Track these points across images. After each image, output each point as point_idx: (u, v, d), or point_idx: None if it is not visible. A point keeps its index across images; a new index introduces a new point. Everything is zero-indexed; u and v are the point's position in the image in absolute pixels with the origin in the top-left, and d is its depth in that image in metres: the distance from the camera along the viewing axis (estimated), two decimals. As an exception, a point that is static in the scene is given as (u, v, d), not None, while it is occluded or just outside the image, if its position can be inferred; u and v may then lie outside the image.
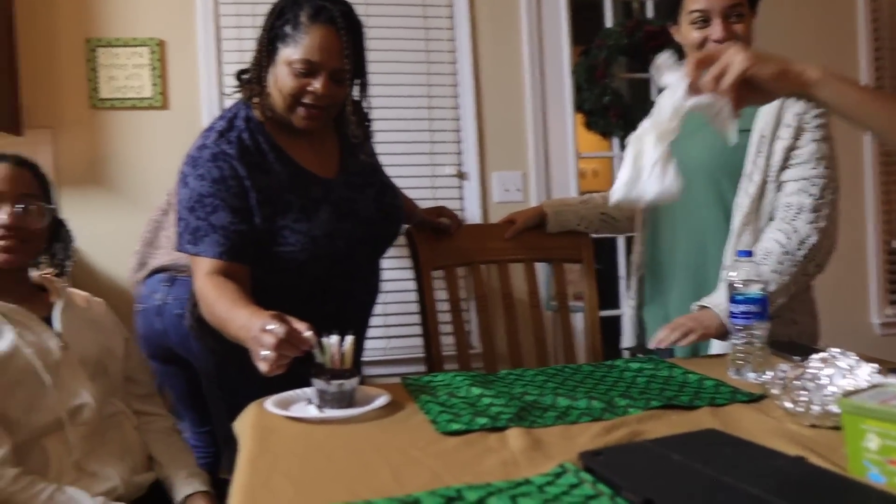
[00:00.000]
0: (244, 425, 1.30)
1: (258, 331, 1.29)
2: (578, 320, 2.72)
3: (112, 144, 3.09)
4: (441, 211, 2.13)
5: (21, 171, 1.62)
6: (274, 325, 1.27)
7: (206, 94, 3.06)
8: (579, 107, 3.33)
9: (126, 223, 3.05)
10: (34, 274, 1.71)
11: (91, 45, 3.06)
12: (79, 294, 1.77)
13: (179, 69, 3.10)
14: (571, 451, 1.02)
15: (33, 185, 1.63)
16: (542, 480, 0.92)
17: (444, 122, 3.16)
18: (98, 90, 3.06)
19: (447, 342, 2.11)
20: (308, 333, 1.27)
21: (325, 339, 1.33)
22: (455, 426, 1.18)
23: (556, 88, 3.24)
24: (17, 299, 1.59)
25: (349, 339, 1.33)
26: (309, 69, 1.61)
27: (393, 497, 0.89)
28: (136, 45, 3.07)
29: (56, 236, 1.72)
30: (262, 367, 1.28)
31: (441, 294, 2.11)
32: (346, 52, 1.62)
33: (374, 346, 2.98)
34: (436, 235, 2.10)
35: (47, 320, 1.61)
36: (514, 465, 1.02)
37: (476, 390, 1.37)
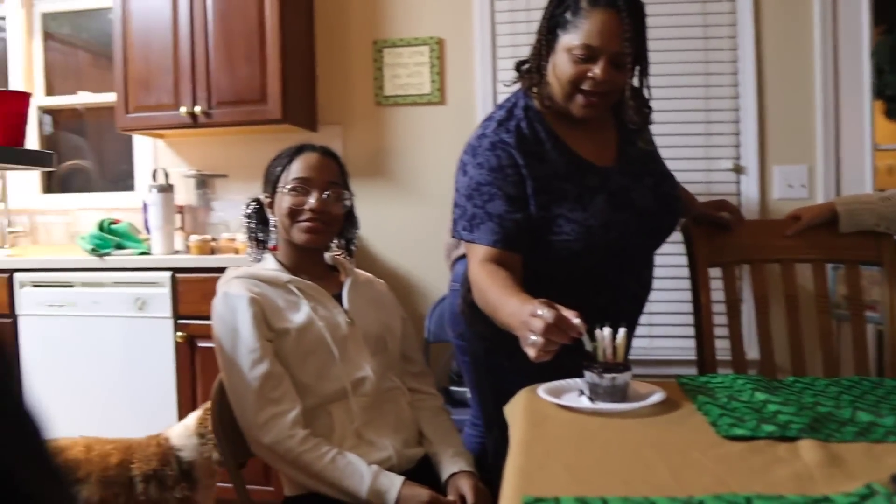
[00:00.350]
0: (516, 409, 1.31)
1: (528, 315, 1.28)
2: (870, 331, 2.45)
3: (394, 139, 3.29)
4: (722, 204, 2.01)
5: (328, 161, 1.77)
6: (543, 311, 1.25)
7: (482, 90, 3.15)
8: (879, 93, 3.00)
9: (405, 212, 3.25)
10: (328, 255, 1.86)
11: (378, 46, 3.28)
12: (364, 275, 1.90)
13: (457, 66, 3.22)
14: (879, 472, 0.92)
15: (336, 174, 1.78)
16: (845, 501, 0.83)
17: (722, 112, 2.97)
18: (383, 88, 3.28)
19: (721, 345, 1.99)
20: (577, 321, 1.25)
21: (597, 332, 1.30)
22: (739, 430, 1.10)
23: (852, 72, 2.92)
24: (313, 277, 1.74)
25: (622, 331, 1.30)
26: (588, 55, 1.59)
27: (675, 497, 0.84)
28: (417, 45, 3.24)
29: (348, 221, 1.86)
30: (531, 352, 1.27)
31: (717, 294, 1.99)
32: (627, 36, 1.57)
33: (636, 345, 2.88)
34: (715, 230, 1.98)
35: (337, 297, 1.75)
36: (808, 480, 0.93)
37: (760, 395, 1.27)
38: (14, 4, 3.81)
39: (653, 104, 1.77)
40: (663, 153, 1.88)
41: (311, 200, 1.70)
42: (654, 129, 1.85)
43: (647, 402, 1.24)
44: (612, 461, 1.01)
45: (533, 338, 1.26)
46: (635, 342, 2.78)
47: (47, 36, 3.92)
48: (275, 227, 1.79)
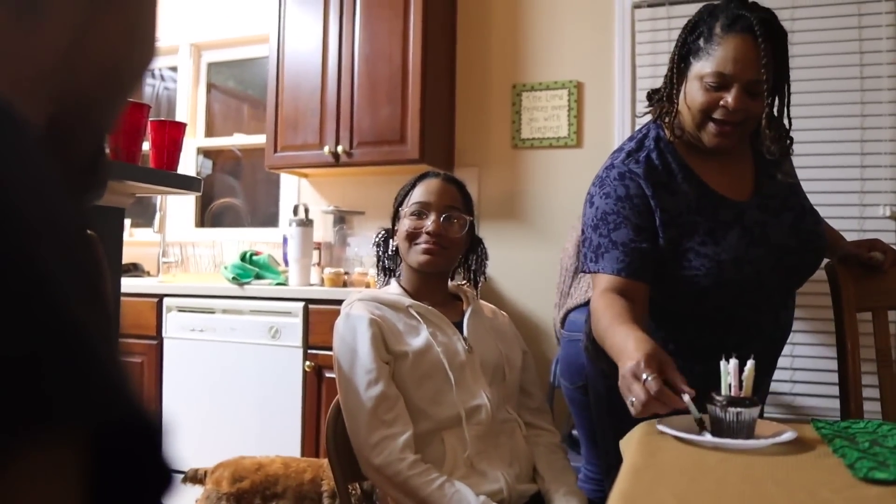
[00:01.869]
0: (631, 441, 1.23)
1: (630, 374, 1.23)
2: None
3: (529, 181, 3.28)
4: (873, 244, 1.85)
5: (448, 187, 1.78)
6: (648, 377, 1.19)
7: (619, 133, 3.10)
8: None
9: (538, 255, 3.22)
10: (451, 284, 1.86)
11: (517, 90, 3.30)
12: (487, 305, 1.88)
13: (595, 109, 3.19)
14: None
15: (457, 200, 1.78)
16: None
17: (880, 150, 2.75)
18: (520, 131, 3.29)
19: (869, 395, 1.81)
20: (685, 396, 1.18)
21: (723, 363, 1.22)
22: (880, 475, 0.98)
23: None
24: (434, 303, 1.74)
25: (750, 364, 1.21)
26: (721, 82, 1.53)
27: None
28: (556, 88, 3.24)
29: (472, 249, 1.85)
30: (630, 409, 1.23)
31: (865, 340, 1.82)
32: (764, 62, 1.50)
33: (776, 390, 2.70)
34: (864, 272, 1.83)
35: (458, 325, 1.73)
36: (960, 528, 0.81)
37: (909, 442, 1.14)
38: (185, 54, 4.13)
39: (800, 136, 1.67)
40: (811, 191, 1.76)
41: (429, 223, 1.71)
42: (800, 168, 1.75)
43: (776, 440, 1.14)
44: (727, 494, 0.93)
45: (632, 399, 1.22)
46: (776, 386, 2.63)
47: (210, 86, 4.22)
48: (395, 251, 1.81)
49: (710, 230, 1.57)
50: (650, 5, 3.08)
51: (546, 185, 3.25)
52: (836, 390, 1.86)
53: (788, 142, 1.65)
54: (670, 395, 1.18)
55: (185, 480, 2.29)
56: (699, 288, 1.57)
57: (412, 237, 1.72)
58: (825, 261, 1.83)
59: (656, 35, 3.06)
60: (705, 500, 0.90)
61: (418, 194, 1.74)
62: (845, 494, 0.92)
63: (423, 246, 1.70)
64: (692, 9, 2.91)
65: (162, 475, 0.38)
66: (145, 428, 0.36)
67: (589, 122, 3.20)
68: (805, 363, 2.75)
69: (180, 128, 2.10)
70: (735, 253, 1.56)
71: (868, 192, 2.76)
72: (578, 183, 3.12)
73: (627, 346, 1.31)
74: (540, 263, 3.21)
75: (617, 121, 3.13)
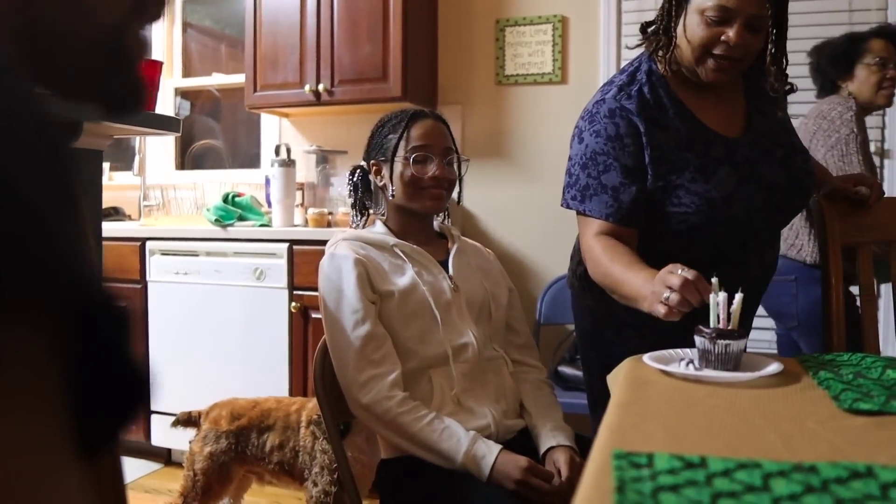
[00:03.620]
0: (618, 376, 1.24)
1: (665, 272, 1.27)
2: None
3: (513, 118, 3.24)
4: (860, 178, 1.85)
5: (442, 127, 1.75)
6: (683, 269, 1.24)
7: (605, 69, 3.06)
8: None
9: (523, 193, 3.20)
10: (436, 221, 1.84)
11: (500, 25, 3.24)
12: (472, 243, 1.87)
13: (580, 45, 3.14)
14: None
15: (450, 140, 1.75)
16: None
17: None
18: (504, 67, 3.23)
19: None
20: (716, 283, 1.23)
21: (711, 296, 1.22)
22: (864, 405, 0.99)
23: None
24: (419, 242, 1.72)
25: (738, 297, 1.21)
26: (723, 16, 1.49)
27: (784, 461, 0.76)
28: (540, 23, 3.18)
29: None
30: (661, 309, 1.24)
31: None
32: None
33: (759, 338, 2.73)
34: (850, 207, 1.83)
35: (443, 263, 1.72)
36: (945, 455, 0.82)
37: (893, 373, 1.15)
38: (157, -9, 4.01)
39: (791, 73, 1.65)
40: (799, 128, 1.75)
41: (434, 168, 1.68)
42: (790, 103, 1.73)
43: (762, 372, 1.15)
44: (715, 426, 0.93)
45: (667, 294, 1.23)
46: (757, 334, 2.66)
47: (186, 25, 4.11)
48: (380, 188, 1.78)
49: (701, 167, 1.56)
50: (636, -64, 3.00)
51: (531, 122, 3.22)
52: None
53: (786, 78, 1.63)
54: (704, 281, 1.22)
55: (175, 423, 2.30)
56: (688, 225, 1.56)
57: (415, 182, 1.69)
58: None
59: (642, -33, 3.00)
60: (693, 433, 0.90)
61: (416, 137, 1.70)
62: (831, 425, 0.93)
63: (433, 191, 1.68)
64: (680, -61, 2.85)
65: (132, 370, 0.37)
66: (113, 316, 0.35)
67: (574, 58, 3.16)
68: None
69: (156, 66, 2.04)
70: (725, 190, 1.55)
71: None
72: (563, 120, 3.09)
73: (657, 276, 1.32)
74: (525, 201, 3.19)
75: (602, 56, 3.09)
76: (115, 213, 3.72)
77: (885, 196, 1.85)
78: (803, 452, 0.82)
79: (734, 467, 0.75)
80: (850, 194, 1.81)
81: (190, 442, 2.25)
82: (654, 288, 1.28)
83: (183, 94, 4.13)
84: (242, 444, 2.16)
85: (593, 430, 1.79)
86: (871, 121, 2.74)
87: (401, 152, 1.71)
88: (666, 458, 0.77)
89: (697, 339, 1.21)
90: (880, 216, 1.82)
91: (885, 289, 2.58)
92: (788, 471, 0.74)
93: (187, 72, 4.11)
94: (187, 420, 2.29)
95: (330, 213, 3.12)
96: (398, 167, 1.70)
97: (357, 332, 1.57)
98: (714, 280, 1.23)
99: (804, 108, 2.57)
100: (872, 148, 2.72)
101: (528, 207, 3.18)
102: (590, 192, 1.58)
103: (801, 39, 2.73)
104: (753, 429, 0.91)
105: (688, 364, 1.23)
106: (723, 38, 1.50)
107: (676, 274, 1.23)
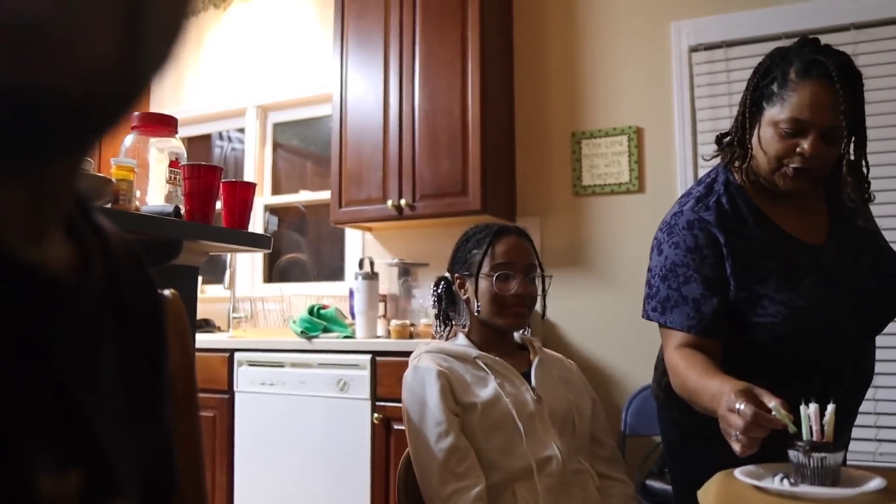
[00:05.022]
0: (708, 492, 1.21)
1: (726, 410, 1.24)
2: None
3: (591, 229, 3.27)
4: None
5: (526, 244, 1.79)
6: (741, 405, 1.20)
7: (682, 177, 3.08)
8: None
9: (603, 302, 3.19)
10: (517, 334, 1.86)
11: (576, 138, 3.32)
12: (554, 355, 1.87)
13: (656, 154, 3.18)
14: None
15: (534, 256, 1.79)
16: None
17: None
18: (581, 178, 3.29)
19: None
20: (777, 407, 1.18)
21: (802, 408, 1.19)
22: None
23: None
24: (501, 354, 1.74)
25: (831, 407, 1.18)
26: (797, 129, 1.49)
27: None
28: (615, 134, 3.25)
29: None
30: (736, 447, 1.22)
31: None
32: (842, 108, 1.47)
33: (859, 449, 2.59)
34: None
35: (525, 375, 1.72)
36: None
37: None
38: (251, 116, 4.28)
39: (880, 174, 1.63)
40: (888, 236, 1.71)
41: (516, 286, 1.71)
42: (875, 206, 1.70)
43: (863, 489, 1.10)
44: (815, 545, 0.90)
45: (735, 434, 1.21)
46: (857, 445, 2.53)
47: (276, 145, 4.35)
48: (464, 301, 1.81)
49: (786, 275, 1.54)
50: (707, 48, 3.07)
51: (609, 231, 3.24)
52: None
53: (867, 186, 1.61)
54: (766, 415, 1.18)
55: None
56: (775, 336, 1.53)
57: (499, 299, 1.72)
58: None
59: (714, 77, 3.05)
60: (791, 552, 0.87)
61: (501, 254, 1.74)
62: (940, 546, 0.88)
63: (515, 309, 1.72)
64: (749, 50, 2.92)
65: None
66: None
67: (650, 167, 3.19)
68: (889, 408, 2.64)
69: (250, 188, 2.17)
70: (812, 299, 1.52)
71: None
72: (642, 228, 3.11)
73: (722, 389, 1.31)
74: (606, 310, 3.18)
75: (679, 165, 3.12)
76: (206, 325, 3.86)
77: None
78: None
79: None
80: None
81: None
82: (721, 424, 1.26)
83: (272, 210, 4.33)
84: None
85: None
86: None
87: (485, 269, 1.74)
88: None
89: (791, 453, 1.18)
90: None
91: None
92: None
93: (276, 189, 4.32)
94: None
95: (412, 325, 3.17)
96: (482, 283, 1.74)
97: (441, 445, 1.57)
98: (773, 404, 1.19)
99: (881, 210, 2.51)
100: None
101: (609, 317, 3.16)
102: (671, 303, 1.57)
103: (884, 141, 2.71)
104: (856, 549, 0.87)
105: (783, 479, 1.18)
106: (798, 150, 1.49)
107: (736, 412, 1.20)
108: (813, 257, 1.57)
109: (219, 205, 2.07)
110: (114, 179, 1.76)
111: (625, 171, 3.22)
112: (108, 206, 1.74)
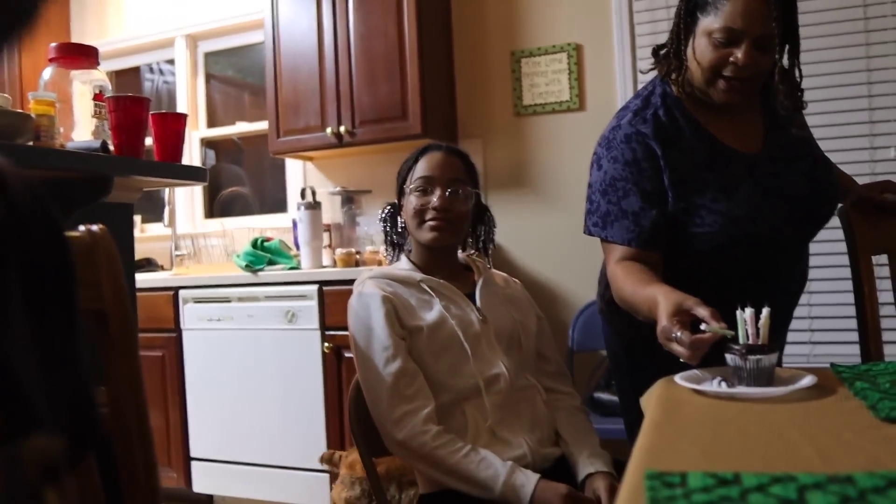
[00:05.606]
0: (650, 398, 1.24)
1: (663, 338, 1.25)
2: None
3: (534, 148, 3.26)
4: (886, 185, 1.82)
5: (451, 159, 1.76)
6: (678, 333, 1.21)
7: (622, 93, 3.08)
8: None
9: (547, 221, 3.21)
10: (461, 255, 1.85)
11: (515, 57, 3.28)
12: (498, 274, 1.87)
13: (595, 71, 3.17)
14: None
15: (461, 172, 1.76)
16: None
17: (888, 91, 2.73)
18: (521, 98, 3.26)
19: (888, 338, 1.80)
20: (711, 326, 1.19)
21: (738, 312, 1.21)
22: (902, 413, 0.98)
23: None
24: (446, 276, 1.73)
25: (766, 311, 1.20)
26: (730, 38, 1.49)
27: (820, 473, 0.76)
28: (555, 52, 3.21)
29: (480, 219, 1.85)
30: (682, 359, 1.24)
31: (884, 284, 1.81)
32: (774, 15, 1.46)
33: (795, 353, 2.69)
34: (878, 215, 1.80)
35: (470, 296, 1.73)
36: None
37: (931, 380, 1.13)
38: (181, 46, 4.12)
39: (807, 82, 1.64)
40: (820, 143, 1.73)
41: (434, 199, 1.70)
42: (808, 115, 1.72)
43: (795, 386, 1.14)
44: (750, 442, 0.93)
45: (679, 349, 1.22)
46: (792, 349, 2.62)
47: (209, 76, 4.21)
48: (403, 226, 1.80)
49: (722, 185, 1.55)
50: (645, -39, 3.04)
51: (551, 150, 3.23)
52: (855, 336, 1.85)
53: (800, 95, 1.63)
54: (702, 338, 1.19)
55: (321, 460, 2.32)
56: (713, 245, 1.56)
57: (419, 214, 1.71)
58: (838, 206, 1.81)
59: (653, -9, 3.03)
60: (727, 451, 0.90)
61: (421, 169, 1.73)
62: (868, 435, 0.92)
63: (431, 223, 1.70)
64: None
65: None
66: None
67: (591, 85, 3.18)
68: (823, 311, 2.74)
69: (181, 119, 2.10)
70: (748, 207, 1.54)
71: (877, 134, 2.74)
72: (584, 146, 3.10)
73: (656, 302, 1.31)
74: (551, 229, 3.20)
75: (619, 81, 3.11)
76: (148, 265, 3.79)
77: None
78: (840, 464, 0.81)
79: (768, 482, 0.74)
80: (878, 202, 1.79)
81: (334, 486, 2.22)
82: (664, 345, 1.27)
83: (208, 143, 4.22)
84: (379, 496, 1.77)
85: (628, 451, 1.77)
86: (894, 125, 2.72)
87: (408, 184, 1.73)
88: (699, 477, 0.77)
89: (728, 357, 1.20)
90: (909, 222, 1.80)
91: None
92: (824, 483, 0.73)
93: (212, 122, 4.20)
94: (329, 459, 2.27)
95: (358, 253, 3.16)
96: (409, 200, 1.73)
97: (389, 369, 1.58)
98: (704, 326, 1.21)
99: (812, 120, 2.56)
100: (892, 154, 2.70)
101: (553, 235, 3.19)
102: (611, 217, 1.58)
103: (816, 51, 2.74)
104: (788, 443, 0.90)
105: (720, 382, 1.22)
106: (731, 59, 1.49)
107: (675, 343, 1.22)
108: (748, 166, 1.59)
109: (151, 143, 2.01)
110: (33, 115, 1.68)
111: (565, 89, 3.20)
112: (30, 143, 1.67)
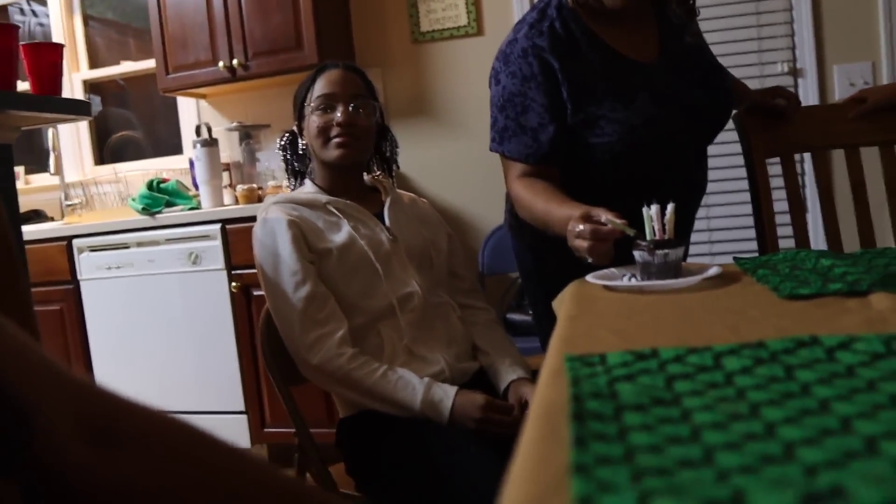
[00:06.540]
0: (563, 300, 1.25)
1: (570, 236, 1.27)
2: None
3: (434, 75, 3.22)
4: (777, 91, 1.88)
5: (351, 75, 1.72)
6: (579, 227, 1.23)
7: (519, 16, 3.04)
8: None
9: (451, 148, 3.19)
10: (367, 176, 1.82)
11: (411, -19, 3.20)
12: (406, 194, 1.85)
13: (492, -7, 3.13)
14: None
15: (361, 87, 1.72)
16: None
17: (775, 15, 2.82)
18: (419, 25, 3.20)
19: (786, 244, 1.88)
20: (610, 219, 1.21)
21: (645, 210, 1.23)
22: (803, 290, 1.02)
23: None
24: (353, 197, 1.70)
25: (671, 206, 1.23)
26: None
27: (733, 343, 0.78)
28: (450, -25, 3.15)
29: (383, 137, 1.81)
30: (589, 261, 1.26)
31: (777, 182, 1.88)
32: None
33: (697, 252, 2.81)
34: (770, 119, 1.86)
35: (378, 216, 1.70)
36: (881, 323, 0.85)
37: (826, 261, 1.18)
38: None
39: (701, 3, 1.66)
40: (715, 50, 1.76)
41: (338, 115, 1.65)
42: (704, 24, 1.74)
43: (702, 276, 1.17)
44: (663, 325, 0.95)
45: (583, 252, 1.24)
46: (695, 248, 2.73)
47: (88, 18, 3.96)
48: (304, 150, 1.76)
49: (620, 95, 1.56)
50: None
51: (451, 77, 3.20)
52: (751, 235, 1.93)
53: (692, 2, 1.64)
54: (601, 228, 1.21)
55: None
56: (612, 154, 1.57)
57: (324, 132, 1.66)
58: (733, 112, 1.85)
59: None
60: (643, 334, 0.91)
61: (321, 87, 1.68)
62: (773, 311, 0.95)
63: (337, 139, 1.65)
64: None
65: None
66: None
67: (487, 8, 3.14)
68: (719, 211, 2.87)
69: (58, 49, 1.97)
70: (646, 115, 1.55)
71: (766, 50, 2.82)
72: (483, 72, 3.04)
73: (563, 215, 1.33)
74: (454, 156, 3.19)
75: (515, 3, 3.08)
76: (37, 216, 3.58)
77: (802, 106, 1.88)
78: (750, 336, 0.83)
79: (685, 353, 0.76)
80: (770, 107, 1.85)
81: None
82: (575, 253, 1.29)
83: (92, 88, 3.99)
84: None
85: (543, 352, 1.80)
86: (781, 40, 2.81)
87: (308, 105, 1.68)
88: (618, 355, 0.78)
89: (636, 253, 1.22)
90: (802, 125, 1.86)
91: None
92: (738, 349, 0.75)
93: (94, 64, 3.97)
94: None
95: (259, 189, 3.07)
96: (310, 121, 1.68)
97: (299, 294, 1.55)
98: (604, 218, 1.23)
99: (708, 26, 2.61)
100: (785, 68, 2.79)
101: (458, 162, 3.18)
102: (508, 133, 1.58)
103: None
104: (700, 323, 0.93)
105: (630, 278, 1.24)
106: None
107: (577, 234, 1.24)
108: (645, 75, 1.59)
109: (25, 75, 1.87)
110: None
111: (462, 14, 3.15)
112: None
